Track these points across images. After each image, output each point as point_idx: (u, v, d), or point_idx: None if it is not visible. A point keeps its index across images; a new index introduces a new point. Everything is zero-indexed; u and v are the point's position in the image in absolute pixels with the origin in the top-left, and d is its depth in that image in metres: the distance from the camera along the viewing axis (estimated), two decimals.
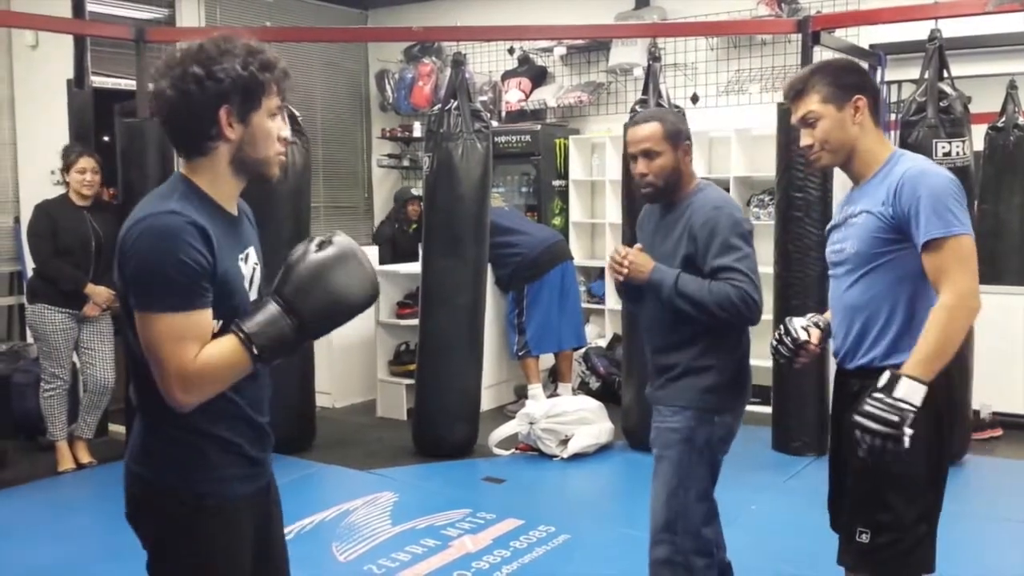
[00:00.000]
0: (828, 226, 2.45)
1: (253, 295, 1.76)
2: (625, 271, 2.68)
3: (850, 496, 2.32)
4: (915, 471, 2.20)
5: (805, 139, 2.33)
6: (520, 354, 5.86)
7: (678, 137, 2.73)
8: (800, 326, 2.50)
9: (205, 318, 1.62)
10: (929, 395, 2.10)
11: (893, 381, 2.08)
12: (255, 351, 1.62)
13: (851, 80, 2.30)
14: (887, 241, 2.19)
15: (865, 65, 5.81)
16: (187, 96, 1.63)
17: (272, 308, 1.64)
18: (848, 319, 2.30)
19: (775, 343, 2.54)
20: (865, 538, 2.24)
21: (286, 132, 1.76)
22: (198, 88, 1.63)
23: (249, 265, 1.76)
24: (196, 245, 1.59)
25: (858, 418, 2.09)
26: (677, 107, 4.96)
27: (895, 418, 2.05)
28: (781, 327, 2.54)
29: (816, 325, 2.51)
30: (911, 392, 2.06)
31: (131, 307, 1.63)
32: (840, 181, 5.33)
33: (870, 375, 2.24)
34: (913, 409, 2.05)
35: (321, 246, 1.69)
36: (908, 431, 2.05)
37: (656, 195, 2.77)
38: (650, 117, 2.79)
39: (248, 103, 1.68)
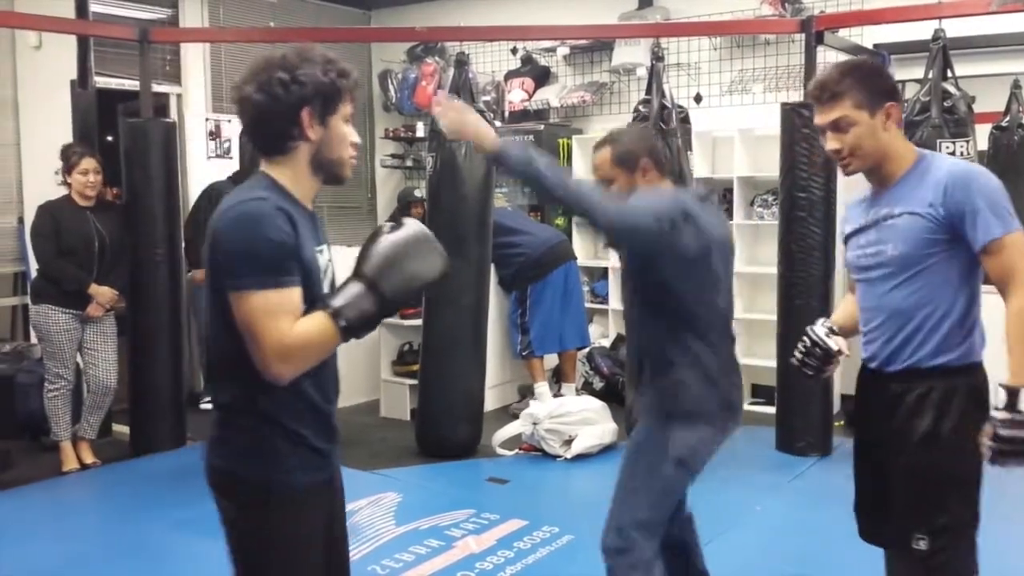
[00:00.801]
0: (849, 230, 2.37)
1: (326, 289, 1.86)
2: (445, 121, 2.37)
3: (899, 502, 2.26)
4: (971, 470, 2.17)
5: (833, 143, 2.25)
6: (524, 354, 5.86)
7: (628, 159, 2.59)
8: (824, 335, 2.46)
9: (296, 295, 1.74)
10: (979, 393, 2.14)
11: (1014, 396, 2.03)
12: (343, 324, 1.72)
13: (884, 86, 2.27)
14: (936, 242, 2.16)
15: (815, 80, 5.84)
16: (274, 99, 1.77)
17: (355, 286, 1.75)
18: (894, 322, 2.24)
19: (801, 355, 2.49)
20: (923, 544, 2.18)
21: (356, 138, 1.89)
22: (284, 91, 1.76)
23: (325, 258, 1.89)
24: (283, 226, 1.72)
25: (997, 445, 2.02)
26: (680, 107, 4.95)
27: None
28: (805, 339, 2.49)
29: (832, 331, 2.48)
30: None
31: (223, 289, 1.73)
32: (844, 182, 5.33)
33: (914, 376, 2.22)
34: None
35: (393, 230, 1.82)
36: None
37: None
38: (603, 141, 2.66)
39: (327, 107, 1.81)
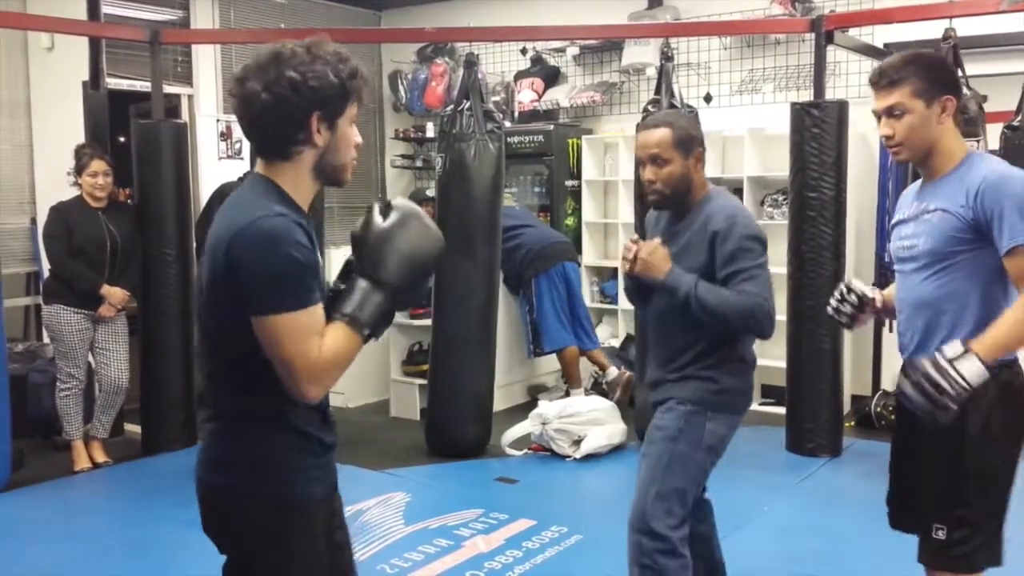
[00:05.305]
0: (894, 220, 2.43)
1: None
2: (636, 266, 2.61)
3: (925, 492, 2.31)
4: (993, 464, 2.21)
5: (885, 129, 2.30)
6: (536, 352, 5.90)
7: (690, 144, 2.63)
8: (860, 284, 2.55)
9: (320, 312, 1.68)
10: (1012, 390, 2.16)
11: (963, 354, 2.04)
12: (366, 332, 1.70)
13: (945, 78, 2.30)
14: (962, 240, 2.20)
15: (877, 64, 5.82)
16: (282, 102, 1.65)
17: (362, 285, 1.71)
18: (917, 315, 2.30)
19: (836, 303, 2.56)
20: (941, 535, 2.25)
21: (359, 139, 1.81)
22: (294, 94, 1.65)
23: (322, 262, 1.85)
24: (304, 242, 1.64)
25: (913, 373, 2.07)
26: (690, 107, 4.95)
27: (952, 392, 2.02)
28: (842, 287, 2.57)
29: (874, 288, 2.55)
30: (974, 372, 2.03)
31: (241, 308, 1.63)
32: (854, 179, 5.32)
33: None
34: (968, 389, 2.03)
35: (384, 214, 1.75)
36: (954, 407, 2.04)
37: (663, 203, 2.71)
38: (660, 122, 2.68)
39: (336, 111, 1.71)
